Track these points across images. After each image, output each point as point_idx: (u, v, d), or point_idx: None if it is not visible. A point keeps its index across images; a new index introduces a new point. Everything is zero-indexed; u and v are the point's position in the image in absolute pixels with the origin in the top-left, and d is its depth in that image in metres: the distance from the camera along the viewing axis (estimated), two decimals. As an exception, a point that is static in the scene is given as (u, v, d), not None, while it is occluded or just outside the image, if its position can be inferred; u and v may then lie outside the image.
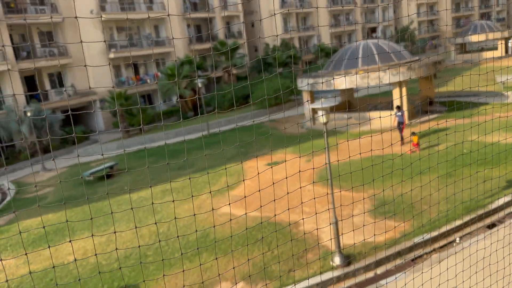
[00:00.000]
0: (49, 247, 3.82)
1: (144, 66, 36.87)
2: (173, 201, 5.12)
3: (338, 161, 5.62)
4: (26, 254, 11.16)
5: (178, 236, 11.31)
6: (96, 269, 10.44)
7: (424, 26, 68.14)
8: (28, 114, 22.13)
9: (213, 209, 5.21)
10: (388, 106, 22.25)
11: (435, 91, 24.34)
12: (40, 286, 9.97)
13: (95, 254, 3.72)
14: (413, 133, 17.18)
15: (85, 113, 31.52)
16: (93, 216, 14.12)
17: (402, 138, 17.67)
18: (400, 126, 17.78)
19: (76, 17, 2.95)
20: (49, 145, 27.02)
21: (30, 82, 30.62)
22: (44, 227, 3.38)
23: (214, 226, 11.16)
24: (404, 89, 20.11)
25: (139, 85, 34.70)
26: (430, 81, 23.15)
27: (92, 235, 3.58)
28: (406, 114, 18.41)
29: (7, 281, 10.00)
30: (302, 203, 5.08)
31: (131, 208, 9.43)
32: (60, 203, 16.04)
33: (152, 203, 3.62)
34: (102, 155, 3.06)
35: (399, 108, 17.97)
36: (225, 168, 15.24)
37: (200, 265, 9.72)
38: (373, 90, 28.86)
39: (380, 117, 11.28)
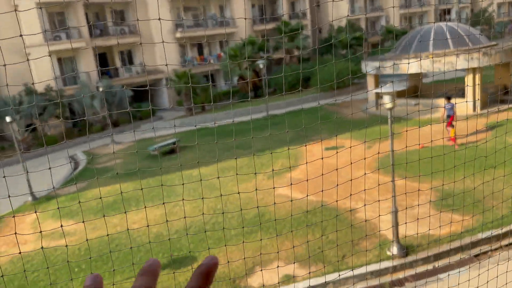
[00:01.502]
0: (125, 212, 4.09)
1: (208, 46, 37.51)
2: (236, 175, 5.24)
3: (406, 147, 5.45)
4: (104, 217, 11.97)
5: (240, 210, 11.59)
6: (158, 238, 11.02)
7: (504, 8, 62.92)
8: (100, 89, 23.43)
9: (274, 188, 5.25)
10: (460, 93, 21.03)
11: (512, 80, 22.61)
12: (106, 251, 10.72)
13: (168, 221, 3.93)
14: (451, 125, 16.10)
15: (152, 90, 32.84)
16: (156, 189, 14.82)
17: (455, 134, 16.65)
18: (448, 119, 16.63)
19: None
20: (118, 120, 28.55)
21: (103, 59, 32.35)
22: (121, 193, 3.62)
23: (274, 203, 11.29)
24: (478, 76, 18.86)
25: (203, 64, 35.43)
26: (508, 69, 21.50)
27: (164, 203, 3.79)
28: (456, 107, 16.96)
29: (87, 240, 10.84)
30: (364, 190, 5.00)
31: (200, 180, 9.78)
32: (131, 172, 17.00)
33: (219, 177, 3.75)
34: (174, 127, 3.19)
35: (449, 99, 16.68)
36: (288, 149, 15.28)
37: (261, 239, 9.93)
38: (443, 76, 27.33)
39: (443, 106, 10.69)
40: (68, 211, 13.88)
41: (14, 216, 3.94)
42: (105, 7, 32.37)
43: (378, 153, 5.42)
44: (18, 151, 14.66)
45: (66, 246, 6.56)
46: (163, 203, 3.95)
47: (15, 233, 3.26)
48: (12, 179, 14.12)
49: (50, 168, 3.59)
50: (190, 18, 36.14)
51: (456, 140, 16.12)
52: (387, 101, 7.97)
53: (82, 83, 28.03)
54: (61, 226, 3.31)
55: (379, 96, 19.36)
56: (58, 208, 14.04)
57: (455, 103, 16.48)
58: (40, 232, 3.79)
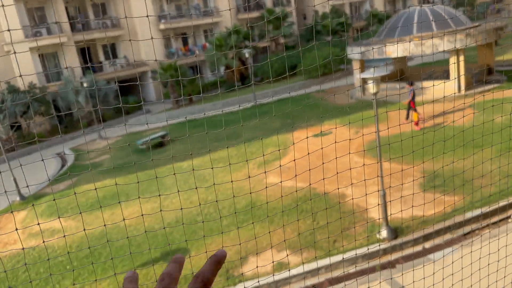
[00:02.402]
0: (121, 205, 4.06)
1: (193, 37, 37.15)
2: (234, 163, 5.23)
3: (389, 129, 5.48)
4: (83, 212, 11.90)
5: (233, 197, 11.60)
6: (149, 232, 11.00)
7: (487, -12, 63.28)
8: (84, 85, 23.13)
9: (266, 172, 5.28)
10: (444, 75, 21.17)
11: (495, 59, 22.81)
12: (97, 247, 10.68)
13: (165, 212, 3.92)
14: (412, 109, 16.59)
15: (138, 84, 32.53)
16: (145, 183, 14.76)
17: (408, 115, 17.01)
18: (410, 103, 17.00)
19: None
20: (104, 115, 28.24)
21: (85, 53, 31.86)
22: (117, 185, 3.59)
23: (267, 188, 11.32)
24: (461, 57, 19.00)
25: (188, 55, 35.12)
26: (490, 49, 21.68)
27: (160, 195, 3.75)
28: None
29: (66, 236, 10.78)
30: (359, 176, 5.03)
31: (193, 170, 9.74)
32: (124, 167, 16.88)
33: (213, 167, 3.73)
34: (166, 122, 3.16)
35: (412, 84, 17.07)
36: (278, 140, 15.31)
37: (254, 224, 9.97)
38: (428, 58, 27.51)
39: (433, 85, 10.79)
40: (58, 208, 13.77)
41: (12, 211, 3.89)
42: (85, 0, 31.81)
43: (363, 135, 5.45)
44: (2, 151, 14.44)
45: (65, 236, 6.51)
46: (159, 195, 3.93)
47: (16, 230, 3.21)
48: (-1, 179, 13.92)
49: (43, 160, 3.53)
50: (173, 9, 35.71)
51: (418, 124, 16.61)
52: (371, 86, 7.99)
53: (65, 79, 27.61)
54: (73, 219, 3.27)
55: (364, 81, 19.42)
56: (54, 199, 13.92)
57: (414, 88, 16.93)
58: (38, 224, 3.74)
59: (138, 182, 9.70)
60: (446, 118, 16.17)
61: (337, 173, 4.71)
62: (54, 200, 8.17)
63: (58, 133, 26.00)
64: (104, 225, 5.71)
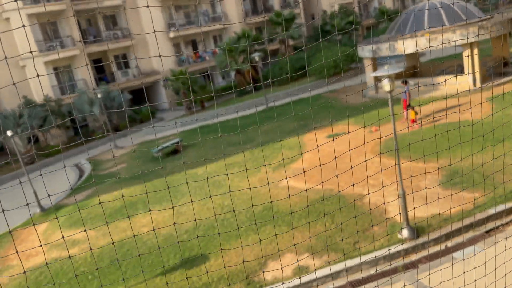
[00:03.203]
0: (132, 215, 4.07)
1: (202, 43, 37.35)
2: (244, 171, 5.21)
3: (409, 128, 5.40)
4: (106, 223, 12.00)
5: (252, 206, 11.57)
6: (168, 240, 11.04)
7: (498, -21, 62.21)
8: (99, 95, 23.41)
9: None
10: (459, 69, 20.86)
11: (510, 51, 22.39)
12: (118, 256, 10.75)
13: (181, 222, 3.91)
14: (410, 107, 16.39)
15: (151, 92, 32.81)
16: (162, 190, 14.83)
17: (406, 115, 16.81)
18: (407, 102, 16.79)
19: (125, 9, 3.01)
20: (119, 125, 28.54)
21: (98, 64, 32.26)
22: (123, 198, 3.60)
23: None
24: (475, 51, 18.69)
25: (198, 62, 35.30)
26: (505, 40, 21.29)
27: (173, 206, 3.76)
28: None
29: (90, 249, 10.88)
30: (368, 177, 4.96)
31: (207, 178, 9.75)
32: (135, 176, 17.03)
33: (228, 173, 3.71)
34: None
35: (406, 82, 16.85)
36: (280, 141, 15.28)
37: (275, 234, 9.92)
38: (441, 53, 27.14)
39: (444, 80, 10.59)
40: (77, 219, 13.92)
41: (33, 224, 3.92)
42: (96, 13, 32.24)
43: (380, 138, 5.38)
44: (21, 163, 14.67)
45: (92, 249, 6.55)
46: (172, 207, 3.89)
47: (40, 245, 3.24)
48: (18, 191, 14.13)
49: (65, 167, 3.56)
50: (182, 16, 35.97)
51: (416, 121, 16.44)
52: (386, 84, 7.89)
53: (79, 91, 28.00)
54: (85, 230, 3.29)
55: (377, 79, 19.24)
56: (79, 210, 14.08)
57: (409, 88, 16.72)
58: (63, 237, 3.76)
59: (146, 193, 9.68)
60: (462, 113, 15.90)
61: (352, 167, 4.65)
62: (78, 210, 8.26)
63: (74, 144, 26.36)
64: (133, 235, 5.72)
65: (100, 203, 3.69)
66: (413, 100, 17.28)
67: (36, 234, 12.19)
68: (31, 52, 1.98)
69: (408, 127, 15.79)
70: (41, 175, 3.47)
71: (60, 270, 10.77)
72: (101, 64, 6.56)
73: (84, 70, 29.89)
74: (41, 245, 3.41)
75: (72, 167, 22.26)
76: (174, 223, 4.04)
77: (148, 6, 2.57)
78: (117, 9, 32.34)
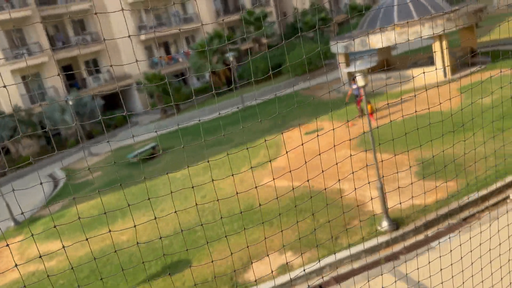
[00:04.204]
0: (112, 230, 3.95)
1: (175, 45, 36.99)
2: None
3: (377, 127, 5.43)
4: (87, 239, 11.72)
5: (241, 212, 11.49)
6: (149, 246, 10.86)
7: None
8: (70, 103, 22.87)
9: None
10: (429, 61, 21.28)
11: (477, 42, 22.99)
12: (98, 265, 10.51)
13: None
14: (367, 102, 16.73)
15: (124, 96, 32.28)
16: (141, 197, 14.59)
17: (361, 111, 17.07)
18: (357, 99, 17.04)
19: (97, 13, 2.91)
20: (92, 131, 27.97)
21: (68, 71, 31.55)
22: (105, 213, 3.48)
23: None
24: (444, 42, 19.10)
25: (171, 64, 34.94)
26: (472, 31, 21.84)
27: (155, 218, 3.65)
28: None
29: (71, 267, 10.59)
30: (352, 172, 4.96)
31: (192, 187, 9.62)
32: (113, 186, 16.68)
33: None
34: (156, 132, 3.07)
35: (354, 80, 17.20)
36: (265, 141, 15.17)
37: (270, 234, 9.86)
38: (412, 46, 27.62)
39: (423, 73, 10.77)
40: (54, 230, 13.54)
41: (7, 245, 3.75)
42: (64, 18, 31.49)
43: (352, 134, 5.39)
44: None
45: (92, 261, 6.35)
46: (155, 218, 3.81)
47: (16, 266, 3.09)
48: (-10, 206, 13.71)
49: (42, 183, 3.41)
50: (152, 18, 35.51)
51: (372, 115, 16.72)
52: (359, 79, 7.95)
53: (50, 99, 27.30)
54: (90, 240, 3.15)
55: (351, 75, 19.44)
56: (55, 226, 13.71)
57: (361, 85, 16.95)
58: (41, 257, 3.61)
59: (128, 205, 9.56)
60: (433, 104, 16.22)
61: (336, 163, 4.64)
62: (54, 226, 8.02)
63: (48, 153, 25.68)
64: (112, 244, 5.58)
65: (79, 218, 3.55)
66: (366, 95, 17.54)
67: (10, 251, 11.81)
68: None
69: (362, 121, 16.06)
70: (13, 190, 3.31)
71: (38, 284, 10.46)
72: (71, 72, 6.38)
73: (54, 77, 29.15)
74: (16, 265, 3.26)
75: (46, 177, 21.69)
76: (160, 237, 3.95)
77: (122, 10, 2.48)
78: (86, 13, 31.69)
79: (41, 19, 29.11)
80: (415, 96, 4.34)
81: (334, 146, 3.76)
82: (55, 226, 3.46)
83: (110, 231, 3.16)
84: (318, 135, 3.53)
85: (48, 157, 24.43)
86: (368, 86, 8.88)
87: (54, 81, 28.75)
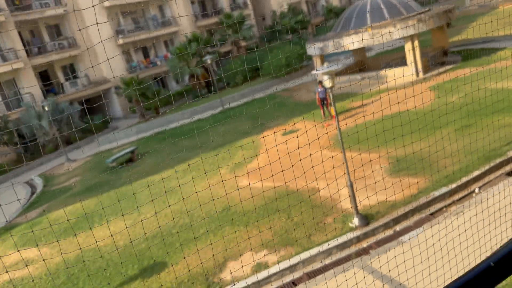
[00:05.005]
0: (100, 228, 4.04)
1: (153, 48, 36.88)
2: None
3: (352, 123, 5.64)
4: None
5: (216, 212, 11.59)
6: (125, 250, 10.89)
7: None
8: (46, 108, 22.64)
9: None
10: (402, 62, 21.77)
11: (449, 41, 23.62)
12: (75, 271, 10.50)
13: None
14: (330, 104, 17.15)
15: (102, 102, 32.03)
16: (119, 200, 14.57)
17: (324, 114, 17.48)
18: (324, 102, 17.43)
19: (75, 11, 3.02)
20: (70, 137, 27.69)
21: (44, 76, 31.17)
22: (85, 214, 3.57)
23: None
24: (416, 43, 19.59)
25: (150, 68, 34.82)
26: (443, 31, 22.44)
27: (142, 220, 3.76)
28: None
29: (48, 274, 10.55)
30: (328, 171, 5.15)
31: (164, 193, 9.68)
32: (90, 188, 16.61)
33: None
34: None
35: (321, 83, 17.62)
36: (241, 146, 15.38)
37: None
38: (387, 46, 28.16)
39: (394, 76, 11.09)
40: (30, 237, 13.43)
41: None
42: (39, 24, 31.11)
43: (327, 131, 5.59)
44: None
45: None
46: (141, 221, 3.92)
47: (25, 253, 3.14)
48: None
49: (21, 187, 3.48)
50: (130, 22, 35.35)
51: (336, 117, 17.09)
52: (326, 81, 8.18)
53: (26, 104, 26.93)
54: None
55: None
56: (32, 231, 13.58)
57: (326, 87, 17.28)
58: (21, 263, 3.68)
59: (103, 208, 9.59)
60: (406, 103, 16.62)
61: (312, 166, 4.84)
62: (32, 231, 8.00)
63: (25, 160, 25.35)
64: (86, 250, 5.64)
65: (51, 225, 3.63)
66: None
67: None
68: None
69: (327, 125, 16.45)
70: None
71: (14, 292, 10.39)
72: (49, 82, 6.41)
73: (30, 83, 28.77)
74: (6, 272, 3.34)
75: (23, 184, 21.41)
76: (131, 241, 4.05)
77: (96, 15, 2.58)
78: (61, 18, 31.38)
79: (15, 25, 28.74)
80: (380, 98, 4.55)
81: (309, 143, 3.93)
82: (32, 231, 3.54)
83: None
84: (298, 136, 3.67)
85: (25, 162, 24.12)
86: (335, 88, 9.12)
87: (30, 87, 28.36)
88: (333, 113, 16.92)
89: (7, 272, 10.11)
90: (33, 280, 10.70)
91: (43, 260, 11.44)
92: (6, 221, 16.35)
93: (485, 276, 0.74)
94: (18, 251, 7.90)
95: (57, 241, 9.49)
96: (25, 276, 11.18)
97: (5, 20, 27.73)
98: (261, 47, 37.00)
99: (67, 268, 10.51)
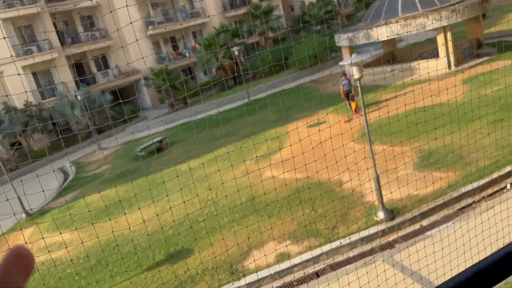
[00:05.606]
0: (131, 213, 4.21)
1: (182, 40, 37.23)
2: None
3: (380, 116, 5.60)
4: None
5: (241, 204, 11.75)
6: (153, 236, 11.18)
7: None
8: (79, 98, 23.28)
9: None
10: (434, 53, 21.21)
11: (483, 33, 22.82)
12: (104, 255, 10.87)
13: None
14: (350, 97, 16.67)
15: (132, 91, 32.70)
16: (147, 188, 14.92)
17: (356, 106, 17.04)
18: (350, 94, 16.97)
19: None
20: (102, 126, 28.43)
21: (78, 66, 32.02)
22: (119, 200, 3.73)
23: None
24: (449, 34, 19.03)
25: (179, 59, 35.21)
26: (478, 23, 21.69)
27: (170, 208, 3.90)
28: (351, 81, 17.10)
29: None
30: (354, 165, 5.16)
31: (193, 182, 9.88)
32: (120, 176, 17.08)
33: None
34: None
35: (345, 75, 17.12)
36: (266, 141, 15.43)
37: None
38: (419, 38, 27.50)
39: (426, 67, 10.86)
40: (62, 221, 13.96)
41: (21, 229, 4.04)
42: (73, 14, 31.93)
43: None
44: (4, 170, 14.64)
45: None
46: (171, 206, 4.04)
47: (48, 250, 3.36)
48: (2, 199, 14.17)
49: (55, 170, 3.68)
50: (159, 14, 35.79)
51: (358, 112, 16.68)
52: (355, 72, 8.10)
53: (60, 94, 27.78)
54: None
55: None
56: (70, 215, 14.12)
57: (350, 78, 16.77)
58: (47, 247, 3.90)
59: (135, 195, 9.85)
60: (438, 96, 16.24)
61: (336, 161, 4.85)
62: (70, 215, 8.34)
63: (58, 148, 26.22)
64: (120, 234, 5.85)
65: (89, 211, 3.81)
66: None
67: (24, 238, 12.25)
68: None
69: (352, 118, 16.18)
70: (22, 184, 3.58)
71: (47, 273, 10.86)
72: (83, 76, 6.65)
73: (64, 73, 29.65)
74: (48, 252, 3.53)
75: (57, 171, 22.18)
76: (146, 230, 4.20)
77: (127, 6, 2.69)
78: (94, 10, 32.10)
79: (50, 16, 29.60)
80: (412, 91, 4.50)
81: (331, 138, 3.95)
82: (71, 215, 3.72)
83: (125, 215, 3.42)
84: (323, 129, 3.69)
85: (58, 149, 24.97)
86: (364, 80, 9.00)
87: (64, 77, 29.25)
88: (354, 107, 16.71)
89: (49, 252, 10.55)
90: (71, 261, 11.14)
91: (82, 242, 11.89)
92: (45, 204, 17.02)
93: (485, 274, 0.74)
94: (43, 238, 8.25)
95: (92, 224, 9.84)
96: (57, 259, 11.65)
97: (41, 11, 28.60)
98: (289, 38, 36.79)
99: (102, 250, 10.89)
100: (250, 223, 10.49)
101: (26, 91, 24.32)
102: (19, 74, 25.48)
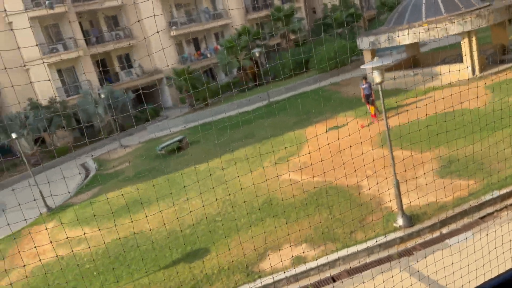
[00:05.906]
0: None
1: (204, 41, 37.52)
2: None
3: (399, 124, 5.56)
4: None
5: (259, 204, 11.80)
6: (171, 235, 11.32)
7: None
8: (102, 96, 23.72)
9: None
10: (458, 58, 20.86)
11: (510, 38, 22.33)
12: (123, 252, 11.05)
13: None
14: (370, 101, 16.30)
15: (154, 91, 33.16)
16: (166, 187, 15.10)
17: (370, 111, 16.71)
18: (370, 99, 16.67)
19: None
20: (124, 124, 28.90)
21: (102, 65, 32.62)
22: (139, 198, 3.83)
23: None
24: (473, 39, 18.69)
25: (201, 59, 35.49)
26: (504, 28, 21.23)
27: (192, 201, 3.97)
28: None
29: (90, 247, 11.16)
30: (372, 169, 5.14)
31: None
32: (140, 174, 17.34)
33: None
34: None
35: (365, 79, 16.82)
36: (285, 146, 15.40)
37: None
38: (443, 42, 27.08)
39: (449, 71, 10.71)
40: (83, 217, 14.25)
41: (45, 225, 4.17)
42: (98, 14, 32.55)
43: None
44: (27, 165, 15.02)
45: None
46: (191, 204, 4.12)
47: (50, 242, 3.48)
48: (25, 193, 14.54)
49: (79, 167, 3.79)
50: (182, 15, 36.16)
51: (377, 116, 16.40)
52: (376, 76, 8.05)
53: (84, 92, 28.36)
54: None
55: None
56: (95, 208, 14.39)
57: (370, 82, 16.46)
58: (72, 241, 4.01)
59: (156, 195, 9.96)
60: (461, 102, 15.95)
61: (356, 170, 4.85)
62: (92, 209, 8.53)
63: (80, 145, 26.73)
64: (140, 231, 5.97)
65: (107, 198, 3.92)
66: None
67: (47, 233, 12.55)
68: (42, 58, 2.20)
69: (371, 122, 15.97)
70: (48, 182, 3.70)
71: (66, 268, 11.11)
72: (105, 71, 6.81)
73: (88, 71, 30.25)
74: (50, 242, 3.66)
75: (78, 167, 22.64)
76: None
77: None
78: (119, 10, 32.65)
79: (76, 15, 30.24)
80: (434, 99, 4.47)
81: (350, 147, 3.96)
82: (94, 208, 3.83)
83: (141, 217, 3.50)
84: (343, 133, 3.70)
85: (80, 146, 25.46)
86: (394, 82, 8.94)
87: (88, 75, 29.84)
88: (373, 111, 16.53)
89: (72, 250, 10.79)
90: (92, 256, 11.36)
91: (103, 240, 12.12)
92: (66, 199, 17.40)
93: None
94: (61, 232, 8.44)
95: (114, 220, 10.03)
96: (76, 254, 11.89)
97: (67, 10, 29.26)
98: (310, 41, 36.65)
99: (122, 246, 11.07)
100: (267, 225, 10.52)
101: (53, 87, 24.89)
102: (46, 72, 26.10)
